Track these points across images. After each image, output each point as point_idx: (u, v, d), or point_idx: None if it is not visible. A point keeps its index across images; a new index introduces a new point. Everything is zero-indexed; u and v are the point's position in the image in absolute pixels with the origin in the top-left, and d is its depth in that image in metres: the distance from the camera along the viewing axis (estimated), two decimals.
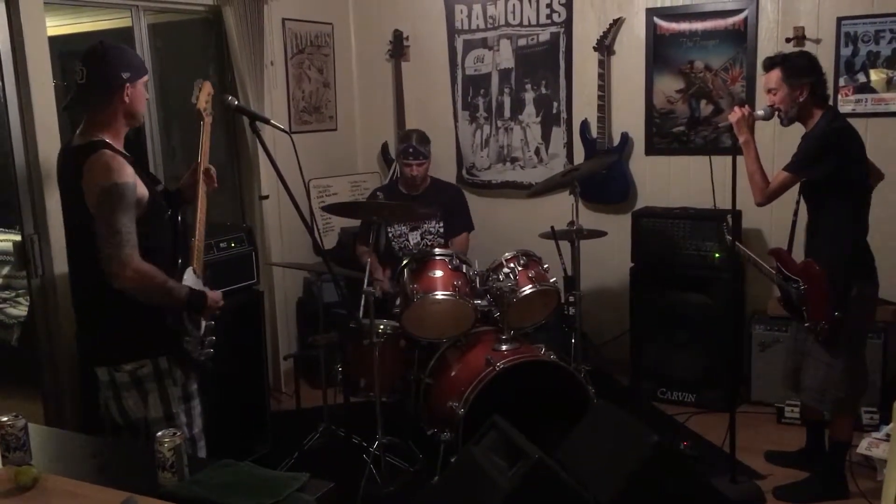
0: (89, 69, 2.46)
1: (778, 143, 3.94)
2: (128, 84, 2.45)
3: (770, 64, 3.32)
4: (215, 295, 2.62)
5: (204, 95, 2.78)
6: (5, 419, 2.02)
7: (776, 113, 3.32)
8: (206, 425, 2.74)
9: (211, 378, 3.57)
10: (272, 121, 2.91)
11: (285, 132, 2.90)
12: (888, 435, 3.15)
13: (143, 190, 2.43)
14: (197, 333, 2.57)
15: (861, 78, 4.20)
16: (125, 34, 4.24)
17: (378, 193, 4.20)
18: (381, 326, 3.65)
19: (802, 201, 3.40)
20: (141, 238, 2.39)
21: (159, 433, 1.89)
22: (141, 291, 2.37)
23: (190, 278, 2.57)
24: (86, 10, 4.31)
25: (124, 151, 2.47)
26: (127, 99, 2.46)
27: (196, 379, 2.68)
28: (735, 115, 3.34)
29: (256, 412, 3.96)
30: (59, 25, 4.60)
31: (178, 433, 1.90)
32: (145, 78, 2.54)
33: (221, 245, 3.77)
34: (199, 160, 2.71)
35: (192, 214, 2.69)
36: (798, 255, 3.41)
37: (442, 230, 4.39)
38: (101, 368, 2.53)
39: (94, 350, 2.59)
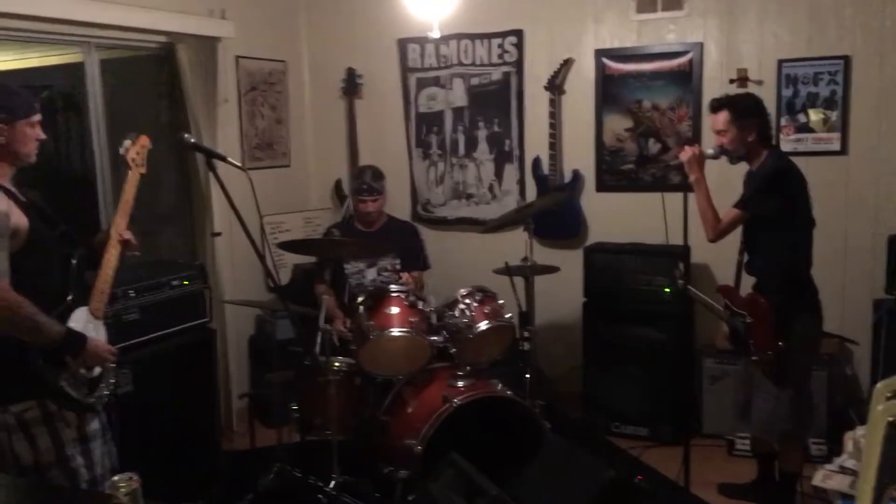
0: None
1: (722, 182, 4.05)
2: (2, 125, 2.42)
3: (717, 105, 3.40)
4: (101, 344, 2.55)
5: (136, 148, 2.75)
6: None
7: (723, 152, 3.42)
8: (115, 465, 2.64)
9: (164, 418, 3.55)
10: (228, 158, 2.90)
11: (241, 169, 2.89)
12: (842, 467, 3.21)
13: (19, 221, 2.39)
14: (84, 376, 2.49)
15: (801, 118, 4.36)
16: (76, 70, 4.20)
17: (334, 231, 4.19)
18: (337, 364, 3.63)
19: None
20: (21, 271, 2.35)
21: (115, 477, 1.84)
22: (4, 321, 2.32)
23: (80, 319, 2.51)
24: (35, 46, 4.26)
25: (6, 186, 2.45)
26: (2, 139, 2.43)
27: (97, 419, 2.60)
28: (686, 153, 3.43)
29: (209, 452, 3.89)
30: (5, 60, 4.54)
31: (134, 477, 1.85)
32: (34, 118, 2.50)
33: (174, 283, 3.72)
34: (116, 214, 2.68)
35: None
36: (745, 291, 3.50)
37: (399, 266, 4.40)
38: None
39: None
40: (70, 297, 2.50)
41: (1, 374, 2.44)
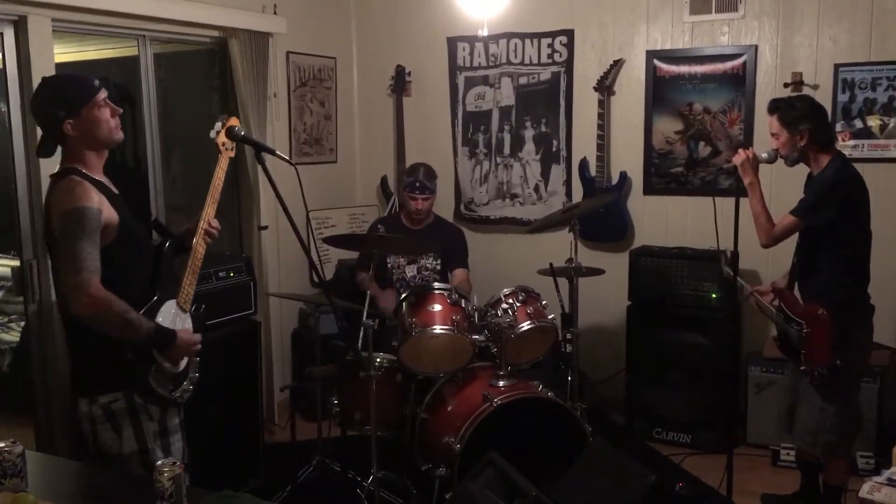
0: (34, 113, 2.46)
1: (777, 185, 3.98)
2: (68, 120, 2.36)
3: (771, 108, 3.35)
4: (189, 336, 2.50)
5: (225, 130, 2.69)
6: (2, 445, 1.99)
7: (779, 156, 3.36)
8: (190, 461, 2.64)
9: (208, 408, 3.58)
10: (277, 151, 2.90)
11: (290, 163, 2.90)
12: (890, 479, 3.12)
13: (110, 216, 2.37)
14: (169, 371, 2.47)
15: (858, 124, 4.25)
16: (130, 63, 4.27)
17: (379, 226, 4.20)
18: (379, 360, 3.64)
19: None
20: (111, 265, 2.33)
21: (158, 462, 1.87)
22: (96, 319, 2.29)
23: (169, 313, 2.49)
24: (92, 39, 4.35)
25: (98, 178, 2.44)
26: (74, 133, 2.38)
27: (178, 414, 2.60)
28: (740, 157, 3.37)
29: (250, 444, 3.93)
30: (63, 53, 4.63)
31: (178, 462, 1.88)
32: (98, 97, 2.41)
33: (220, 274, 3.76)
34: (205, 203, 2.64)
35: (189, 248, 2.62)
36: (798, 292, 3.42)
37: (438, 267, 4.40)
38: (82, 399, 2.47)
39: (74, 379, 2.54)
40: (157, 294, 2.48)
41: (93, 365, 2.46)
